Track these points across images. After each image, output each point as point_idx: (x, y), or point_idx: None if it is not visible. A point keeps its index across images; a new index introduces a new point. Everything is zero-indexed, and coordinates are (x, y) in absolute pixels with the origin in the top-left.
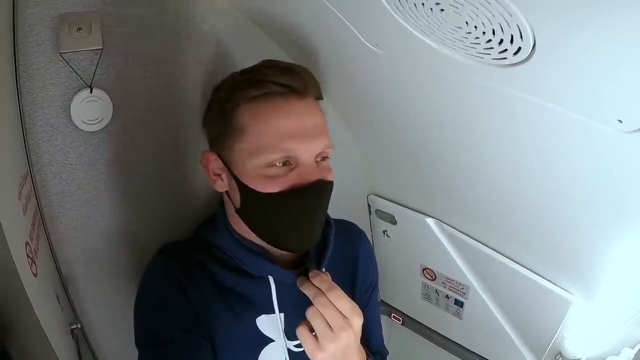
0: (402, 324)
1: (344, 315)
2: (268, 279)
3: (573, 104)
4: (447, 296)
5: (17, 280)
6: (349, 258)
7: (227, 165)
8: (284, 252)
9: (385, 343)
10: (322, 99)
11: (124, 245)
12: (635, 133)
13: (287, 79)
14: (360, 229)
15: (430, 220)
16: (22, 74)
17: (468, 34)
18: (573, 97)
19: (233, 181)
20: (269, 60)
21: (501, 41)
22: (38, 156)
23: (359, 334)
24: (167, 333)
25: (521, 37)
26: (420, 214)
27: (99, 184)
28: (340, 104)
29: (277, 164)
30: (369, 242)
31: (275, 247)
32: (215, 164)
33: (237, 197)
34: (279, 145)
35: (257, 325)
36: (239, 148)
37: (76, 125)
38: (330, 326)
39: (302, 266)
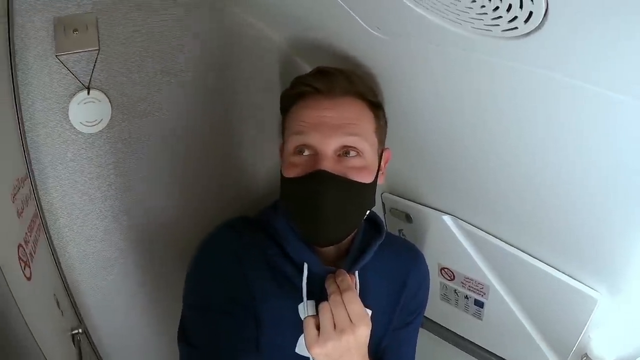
0: (420, 327)
1: (351, 320)
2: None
3: (598, 77)
4: (466, 296)
5: (4, 285)
6: (398, 277)
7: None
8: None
9: None
10: (370, 99)
11: (128, 248)
12: None
13: (314, 80)
14: (417, 253)
15: (446, 218)
16: (19, 77)
17: (473, 3)
18: (597, 69)
19: None
20: (319, 67)
21: (509, 7)
22: (38, 160)
23: (363, 343)
24: (217, 300)
25: (532, 0)
26: (436, 211)
27: (101, 185)
28: None
29: (298, 153)
30: (424, 266)
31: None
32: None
33: None
34: (298, 133)
35: (299, 310)
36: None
37: (75, 128)
38: (335, 325)
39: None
